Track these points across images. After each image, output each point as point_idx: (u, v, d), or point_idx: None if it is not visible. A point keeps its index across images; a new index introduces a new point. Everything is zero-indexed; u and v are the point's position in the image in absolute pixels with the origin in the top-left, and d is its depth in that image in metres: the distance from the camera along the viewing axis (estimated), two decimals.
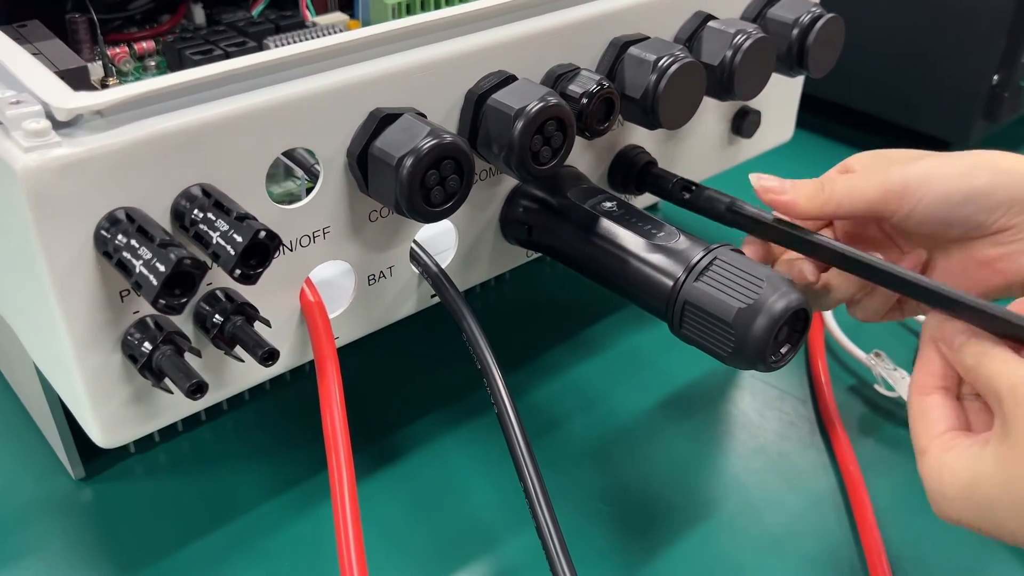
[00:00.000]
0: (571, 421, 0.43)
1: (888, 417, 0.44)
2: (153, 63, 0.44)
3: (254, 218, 0.26)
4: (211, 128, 0.27)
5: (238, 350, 0.29)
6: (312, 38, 0.45)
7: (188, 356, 0.28)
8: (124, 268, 0.25)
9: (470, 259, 0.37)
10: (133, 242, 0.25)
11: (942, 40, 0.60)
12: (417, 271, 0.35)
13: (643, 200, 0.43)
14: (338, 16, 0.48)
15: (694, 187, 0.38)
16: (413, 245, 0.35)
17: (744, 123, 0.45)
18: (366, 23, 0.48)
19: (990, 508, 0.26)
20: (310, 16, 0.47)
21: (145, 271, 0.25)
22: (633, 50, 0.36)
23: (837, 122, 0.68)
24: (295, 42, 0.44)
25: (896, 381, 0.44)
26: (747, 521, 0.39)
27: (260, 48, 0.44)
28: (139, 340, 0.28)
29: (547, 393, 0.45)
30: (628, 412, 0.44)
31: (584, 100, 0.34)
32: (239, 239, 0.26)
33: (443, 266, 0.36)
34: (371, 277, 0.34)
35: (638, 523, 0.39)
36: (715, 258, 0.32)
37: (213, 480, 0.40)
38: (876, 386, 0.45)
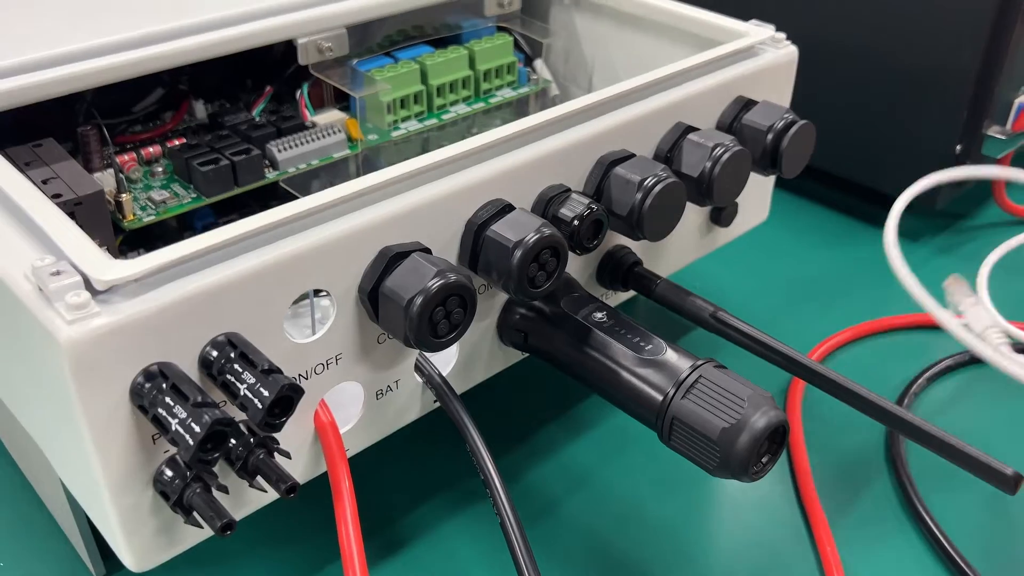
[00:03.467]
0: (563, 503, 0.46)
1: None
2: (160, 168, 0.46)
3: (279, 370, 0.29)
4: (235, 284, 0.29)
5: (260, 480, 0.31)
6: (313, 140, 0.47)
7: (216, 492, 0.30)
8: (160, 424, 0.27)
9: (470, 364, 0.40)
10: (168, 400, 0.27)
11: (909, 110, 0.63)
12: (421, 380, 0.38)
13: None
14: (336, 115, 0.50)
15: (678, 292, 0.41)
16: (418, 357, 0.37)
17: (722, 215, 0.48)
18: (362, 121, 0.50)
19: None
20: (309, 115, 0.50)
21: (181, 430, 0.27)
22: (619, 170, 0.39)
23: (812, 179, 0.71)
24: (297, 146, 0.47)
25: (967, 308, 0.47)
26: None
27: (264, 154, 0.46)
28: (170, 478, 0.30)
29: (539, 474, 0.47)
30: (617, 492, 0.47)
31: (575, 223, 0.37)
32: (266, 393, 0.28)
33: (444, 374, 0.38)
34: (379, 392, 0.36)
35: None
36: (700, 376, 0.34)
37: (228, 572, 0.42)
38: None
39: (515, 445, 0.49)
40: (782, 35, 0.47)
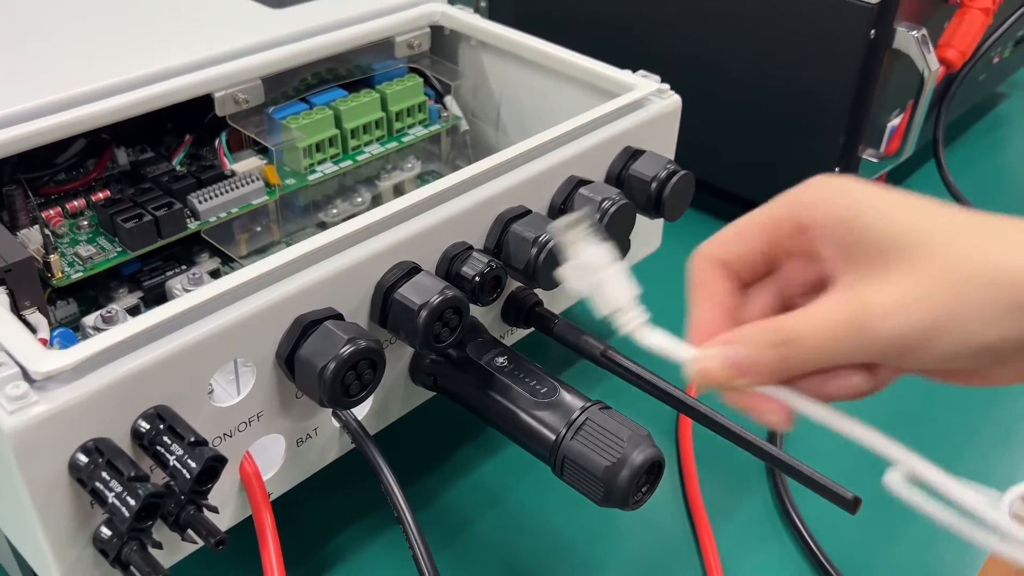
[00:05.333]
0: (477, 521, 0.50)
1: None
2: (85, 222, 0.48)
3: (204, 441, 0.32)
4: (162, 364, 0.32)
5: (190, 533, 0.34)
6: (232, 190, 0.50)
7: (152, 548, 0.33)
8: (98, 496, 0.31)
9: (384, 406, 0.43)
10: (104, 475, 0.30)
11: (792, 133, 0.68)
12: (338, 425, 0.41)
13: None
14: (254, 162, 0.53)
15: (573, 331, 0.45)
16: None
17: None
18: (280, 166, 0.53)
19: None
20: (228, 164, 0.52)
21: (117, 503, 0.30)
22: (516, 227, 0.43)
23: (705, 192, 0.76)
24: (217, 196, 0.49)
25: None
26: None
27: (186, 206, 0.48)
28: (108, 537, 0.33)
29: (455, 494, 0.51)
30: (527, 510, 0.51)
31: (476, 279, 0.41)
32: (193, 465, 0.31)
33: (360, 418, 0.42)
34: (299, 440, 0.40)
35: None
36: (587, 418, 0.38)
37: None
38: None
39: (434, 464, 0.53)
40: (666, 86, 0.52)
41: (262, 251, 0.53)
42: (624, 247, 0.51)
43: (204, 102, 0.51)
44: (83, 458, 0.31)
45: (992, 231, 0.26)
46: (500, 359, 0.42)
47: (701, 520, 0.50)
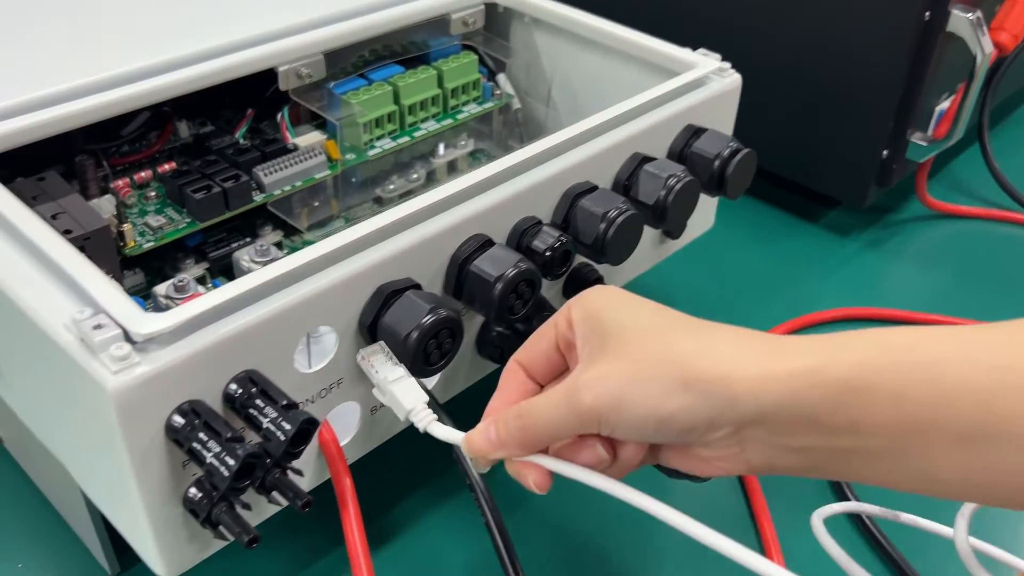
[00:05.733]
0: (533, 496, 0.51)
1: None
2: (153, 192, 0.49)
3: (296, 404, 0.33)
4: (255, 329, 0.33)
5: (276, 495, 0.35)
6: (295, 163, 0.51)
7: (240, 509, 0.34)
8: (195, 457, 0.31)
9: (451, 377, 0.44)
10: (201, 435, 0.31)
11: (842, 118, 0.68)
12: None
13: None
14: (315, 136, 0.54)
15: None
16: None
17: (674, 230, 0.52)
18: (340, 141, 0.53)
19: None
20: (290, 138, 0.53)
21: (216, 463, 0.31)
22: (584, 202, 0.43)
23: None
24: (281, 170, 0.50)
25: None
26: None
27: (252, 179, 0.49)
28: (199, 498, 0.34)
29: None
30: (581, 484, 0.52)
31: (548, 254, 0.41)
32: (287, 427, 0.32)
33: (430, 388, 0.42)
34: (373, 408, 0.41)
35: None
36: None
37: (238, 563, 0.46)
38: None
39: None
40: (727, 64, 0.52)
41: (321, 225, 0.54)
42: (681, 226, 0.52)
43: (265, 76, 0.52)
44: (180, 419, 0.32)
45: (683, 328, 0.31)
46: None
47: (757, 496, 0.50)
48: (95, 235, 0.41)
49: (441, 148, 0.60)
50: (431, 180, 0.59)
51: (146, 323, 0.31)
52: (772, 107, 0.71)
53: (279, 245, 0.52)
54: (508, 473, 0.33)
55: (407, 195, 0.58)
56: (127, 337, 0.31)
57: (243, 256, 0.47)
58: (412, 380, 0.36)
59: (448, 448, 0.36)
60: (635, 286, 0.49)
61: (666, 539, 0.49)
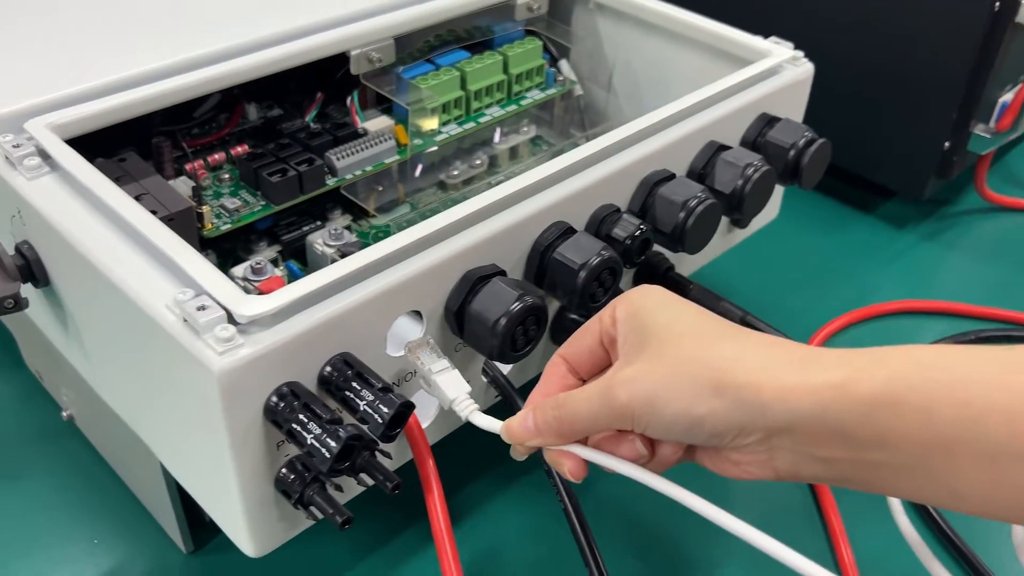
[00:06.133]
0: (598, 483, 0.51)
1: None
2: (227, 175, 0.49)
3: (391, 388, 0.33)
4: (351, 312, 0.33)
5: (364, 477, 0.36)
6: (366, 148, 0.51)
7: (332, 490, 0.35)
8: (295, 438, 0.32)
9: (526, 363, 0.44)
10: (302, 417, 0.32)
11: (905, 109, 0.68)
12: (485, 381, 0.42)
13: None
14: (384, 121, 0.54)
15: (710, 296, 0.45)
16: (485, 362, 0.42)
17: (743, 219, 0.52)
18: (407, 125, 0.53)
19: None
20: (360, 122, 0.53)
21: (317, 444, 0.31)
22: (663, 191, 0.43)
23: None
24: (353, 154, 0.50)
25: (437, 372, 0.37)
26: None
27: (324, 163, 0.49)
28: (291, 480, 0.34)
29: None
30: None
31: (628, 242, 0.41)
32: (386, 410, 0.32)
33: (505, 374, 0.42)
34: None
35: (660, 568, 0.47)
36: None
37: (308, 545, 0.47)
38: None
39: None
40: (800, 53, 0.52)
41: (388, 209, 0.54)
42: (753, 215, 0.51)
43: (333, 60, 0.52)
44: (279, 400, 0.32)
45: (720, 334, 0.31)
46: None
47: (823, 488, 0.50)
48: (179, 216, 0.42)
49: (502, 134, 0.60)
50: (493, 166, 0.59)
51: (250, 305, 0.31)
52: (831, 96, 0.70)
53: (348, 228, 0.52)
54: (546, 460, 0.34)
55: (470, 181, 0.58)
56: (230, 319, 0.31)
57: (316, 239, 0.48)
58: (455, 372, 0.37)
59: None
60: (696, 276, 0.49)
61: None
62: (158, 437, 0.39)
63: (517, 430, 0.34)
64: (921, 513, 0.49)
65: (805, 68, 0.51)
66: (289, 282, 0.47)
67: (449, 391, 0.36)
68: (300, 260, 0.50)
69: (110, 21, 0.48)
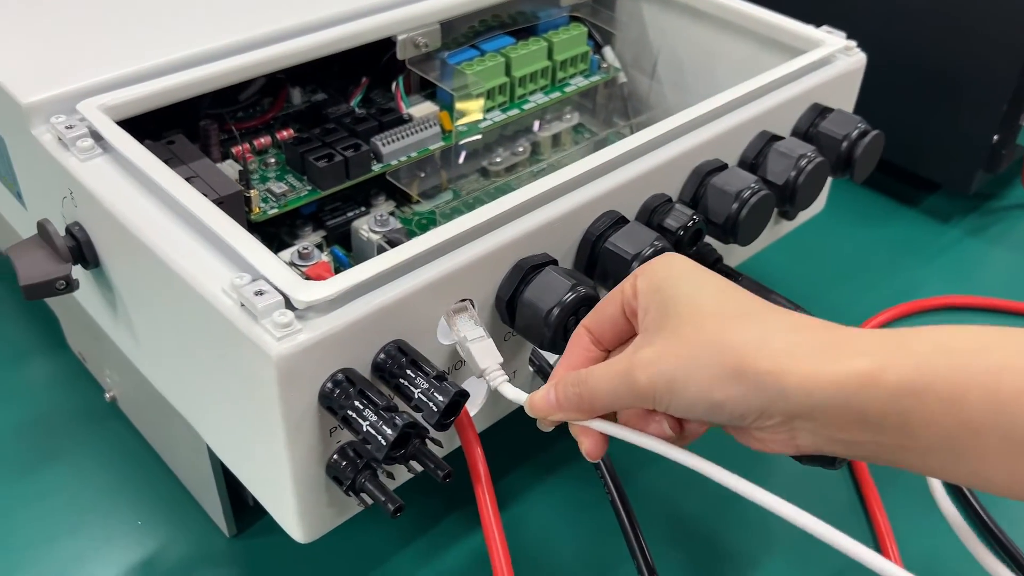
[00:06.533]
0: (640, 475, 0.51)
1: None
2: (272, 159, 0.49)
3: (446, 376, 0.33)
4: (406, 299, 0.33)
5: (414, 464, 0.35)
6: (412, 134, 0.50)
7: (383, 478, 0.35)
8: (350, 424, 0.32)
9: None
10: (357, 403, 0.31)
11: (954, 105, 0.66)
12: (532, 370, 0.42)
13: None
14: (429, 107, 0.54)
15: (760, 288, 0.45)
16: (532, 351, 0.41)
17: (791, 211, 0.51)
18: (452, 112, 0.53)
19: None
20: (405, 107, 0.53)
21: (373, 431, 0.31)
22: (716, 181, 0.42)
23: None
24: (398, 140, 0.50)
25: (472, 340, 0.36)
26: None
27: (371, 149, 0.49)
28: (343, 466, 0.34)
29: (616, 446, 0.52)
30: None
31: (680, 232, 0.41)
32: (440, 398, 0.32)
33: (551, 363, 0.42)
34: None
35: (702, 560, 0.46)
36: None
37: (351, 530, 0.46)
38: None
39: None
40: (853, 43, 0.51)
41: (431, 195, 0.54)
42: (803, 207, 0.51)
43: (378, 45, 0.52)
44: (334, 387, 0.32)
45: (743, 313, 0.30)
46: None
47: (868, 485, 0.50)
48: (228, 200, 0.42)
49: (545, 121, 0.59)
50: (535, 153, 0.59)
51: (308, 291, 0.31)
52: (877, 86, 0.69)
53: (392, 214, 0.52)
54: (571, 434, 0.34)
55: (513, 168, 0.57)
56: (287, 304, 0.31)
57: (362, 226, 0.47)
58: (490, 342, 0.36)
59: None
60: (740, 267, 0.49)
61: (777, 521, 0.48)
62: (207, 421, 0.39)
63: (540, 404, 0.34)
64: (967, 508, 0.48)
65: (857, 58, 0.50)
66: (335, 268, 0.47)
67: (482, 361, 0.36)
68: (344, 245, 0.49)
69: (155, 2, 0.48)
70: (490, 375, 0.36)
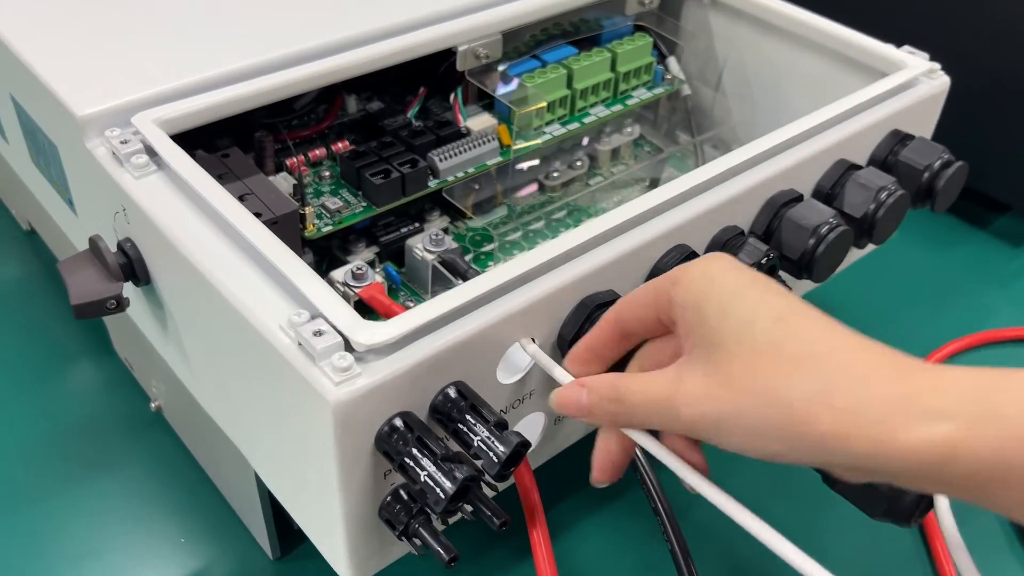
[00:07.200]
0: (694, 508, 0.49)
1: None
2: (327, 172, 0.48)
3: (506, 423, 0.31)
4: (468, 341, 0.32)
5: (466, 507, 0.34)
6: (469, 149, 0.49)
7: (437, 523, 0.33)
8: (407, 472, 0.30)
9: None
10: (415, 451, 0.30)
11: (1013, 121, 0.63)
12: None
13: None
14: (486, 120, 0.52)
15: None
16: None
17: (864, 243, 0.49)
18: (510, 125, 0.51)
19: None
20: (462, 120, 0.51)
21: (431, 483, 0.29)
22: (792, 214, 0.40)
23: None
24: (456, 155, 0.48)
25: None
26: None
27: (428, 164, 0.48)
28: (396, 510, 0.33)
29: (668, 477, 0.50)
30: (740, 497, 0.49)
31: (754, 267, 0.38)
32: (502, 449, 0.30)
33: None
34: (557, 419, 0.39)
35: None
36: None
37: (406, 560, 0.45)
38: None
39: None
40: (936, 65, 0.48)
41: (485, 210, 0.52)
42: (881, 240, 0.48)
43: (437, 54, 0.50)
44: (392, 431, 0.30)
45: (803, 356, 0.26)
46: None
47: (932, 528, 0.47)
48: (283, 219, 0.41)
49: (605, 134, 0.57)
50: (594, 167, 0.57)
51: (369, 333, 0.30)
52: (957, 115, 0.66)
53: (445, 230, 0.50)
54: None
55: (570, 183, 0.56)
56: (347, 345, 0.30)
57: (416, 244, 0.46)
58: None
59: None
60: (806, 293, 0.46)
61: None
62: (257, 449, 0.38)
63: (569, 405, 0.32)
64: None
65: (941, 82, 0.48)
66: (388, 287, 0.46)
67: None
68: (396, 261, 0.48)
69: (211, 14, 0.47)
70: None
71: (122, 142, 0.38)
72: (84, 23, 0.46)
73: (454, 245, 0.46)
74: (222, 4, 0.48)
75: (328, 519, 0.33)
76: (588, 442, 0.38)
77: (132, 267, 0.39)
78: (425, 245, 0.45)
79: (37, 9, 0.47)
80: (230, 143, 0.46)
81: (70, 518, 0.47)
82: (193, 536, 0.46)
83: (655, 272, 0.37)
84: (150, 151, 0.39)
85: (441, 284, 0.45)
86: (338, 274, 0.43)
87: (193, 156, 0.42)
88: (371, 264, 0.48)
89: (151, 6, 0.47)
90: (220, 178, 0.42)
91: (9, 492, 0.48)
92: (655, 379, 0.29)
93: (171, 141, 0.38)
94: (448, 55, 0.49)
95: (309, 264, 0.47)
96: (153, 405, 0.52)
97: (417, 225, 0.49)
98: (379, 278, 0.44)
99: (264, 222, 0.40)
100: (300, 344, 0.30)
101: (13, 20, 0.45)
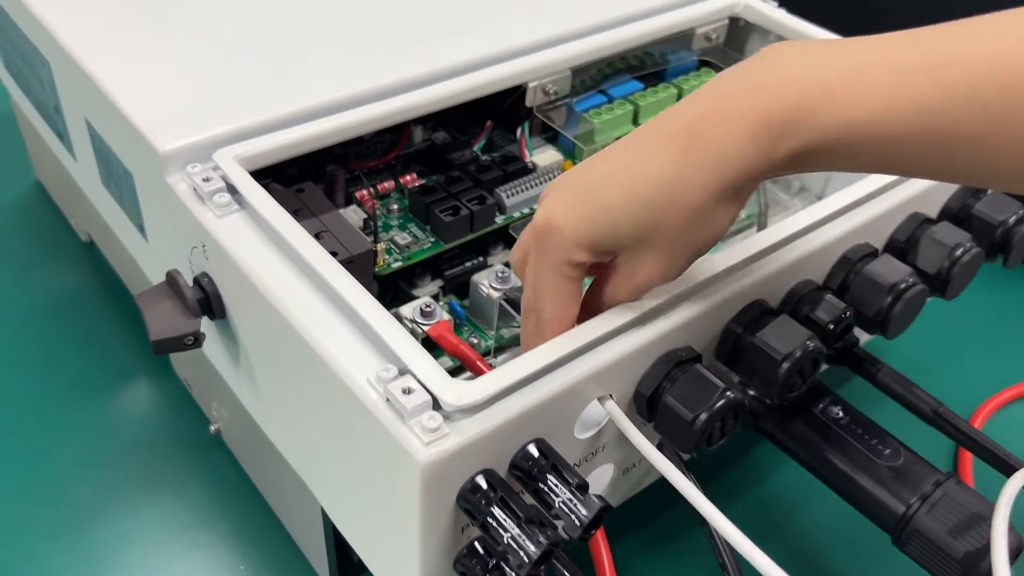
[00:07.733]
0: (778, 527, 0.48)
1: None
2: (395, 206, 0.48)
3: (587, 486, 0.31)
4: (552, 400, 0.32)
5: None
6: (535, 185, 0.49)
7: None
8: (488, 532, 0.30)
9: None
10: (497, 512, 0.30)
11: None
12: None
13: None
14: (552, 156, 0.52)
15: (902, 380, 0.42)
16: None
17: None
18: (575, 161, 0.51)
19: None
20: (528, 155, 0.51)
21: (514, 546, 0.30)
22: (867, 270, 0.40)
23: None
24: (522, 191, 0.48)
25: None
26: None
27: (496, 201, 0.48)
28: (473, 563, 0.33)
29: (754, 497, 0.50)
30: (824, 518, 0.49)
31: (831, 327, 0.38)
32: (585, 512, 0.31)
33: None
34: (626, 469, 0.39)
35: None
36: (944, 494, 0.36)
37: None
38: None
39: (725, 469, 0.52)
40: None
41: None
42: (953, 296, 0.48)
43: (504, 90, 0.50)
44: (475, 489, 0.31)
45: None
46: (835, 409, 0.40)
47: None
48: (358, 259, 0.41)
49: None
50: None
51: (458, 394, 0.30)
52: None
53: (508, 265, 0.50)
54: None
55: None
56: (435, 404, 0.30)
57: (482, 280, 0.46)
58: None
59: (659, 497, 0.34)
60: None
61: None
62: (327, 489, 0.38)
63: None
64: None
65: None
66: (453, 322, 0.46)
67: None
68: (459, 293, 0.48)
69: (287, 49, 0.47)
70: None
71: (204, 179, 0.39)
72: (160, 50, 0.46)
73: (519, 283, 0.46)
74: (298, 40, 0.48)
75: (403, 568, 0.33)
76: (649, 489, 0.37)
77: (209, 302, 0.40)
78: (491, 282, 0.46)
79: (109, 32, 0.47)
80: (298, 172, 0.46)
81: (131, 540, 0.48)
82: (252, 563, 0.47)
83: (730, 329, 0.37)
84: (231, 189, 0.39)
85: (506, 321, 0.45)
86: (406, 310, 0.43)
87: (267, 187, 0.43)
88: (435, 297, 0.48)
89: (223, 37, 0.48)
90: (295, 213, 0.42)
91: (72, 511, 0.49)
92: None
93: (253, 180, 0.39)
94: (515, 89, 0.49)
95: (374, 295, 0.48)
96: (212, 428, 0.52)
97: (481, 259, 0.49)
98: (446, 315, 0.45)
99: (340, 261, 0.40)
100: (388, 400, 0.30)
101: (89, 44, 0.46)
